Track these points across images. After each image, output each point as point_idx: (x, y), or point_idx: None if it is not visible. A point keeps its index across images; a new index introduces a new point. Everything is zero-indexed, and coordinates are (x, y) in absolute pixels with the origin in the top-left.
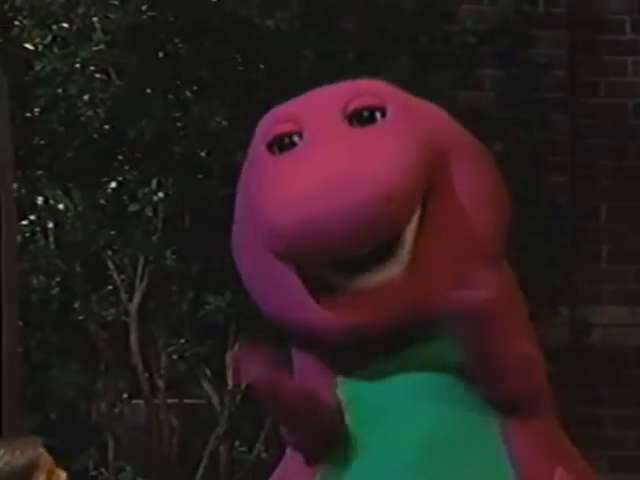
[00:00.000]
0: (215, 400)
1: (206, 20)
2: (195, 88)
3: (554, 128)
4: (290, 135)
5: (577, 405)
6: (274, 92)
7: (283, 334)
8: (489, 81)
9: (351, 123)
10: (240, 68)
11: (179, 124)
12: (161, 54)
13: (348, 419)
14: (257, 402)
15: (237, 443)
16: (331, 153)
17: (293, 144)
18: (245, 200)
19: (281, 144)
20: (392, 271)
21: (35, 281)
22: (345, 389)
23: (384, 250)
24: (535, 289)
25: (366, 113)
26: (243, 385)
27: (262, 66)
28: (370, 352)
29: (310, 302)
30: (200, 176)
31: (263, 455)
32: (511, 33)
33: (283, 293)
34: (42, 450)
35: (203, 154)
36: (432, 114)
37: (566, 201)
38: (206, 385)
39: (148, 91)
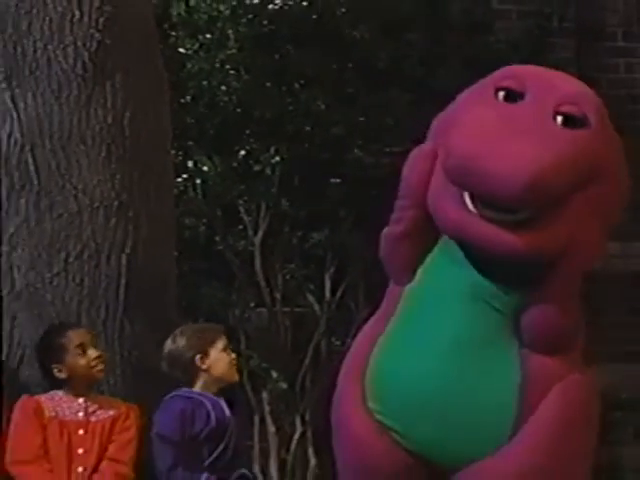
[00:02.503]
0: (317, 308)
1: (309, 31)
2: (302, 81)
3: None
4: (515, 92)
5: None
6: (359, 84)
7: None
8: None
9: (555, 117)
10: (334, 66)
11: (290, 107)
12: (277, 56)
13: (412, 300)
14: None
15: (333, 339)
16: (530, 135)
17: (514, 99)
18: (455, 111)
19: (506, 94)
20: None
21: (187, 221)
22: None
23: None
24: None
25: (570, 118)
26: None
27: (350, 65)
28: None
29: (456, 206)
30: (306, 145)
31: None
32: (533, 42)
33: (436, 190)
34: (222, 332)
35: (308, 129)
36: (614, 140)
37: None
38: (310, 297)
39: (268, 84)
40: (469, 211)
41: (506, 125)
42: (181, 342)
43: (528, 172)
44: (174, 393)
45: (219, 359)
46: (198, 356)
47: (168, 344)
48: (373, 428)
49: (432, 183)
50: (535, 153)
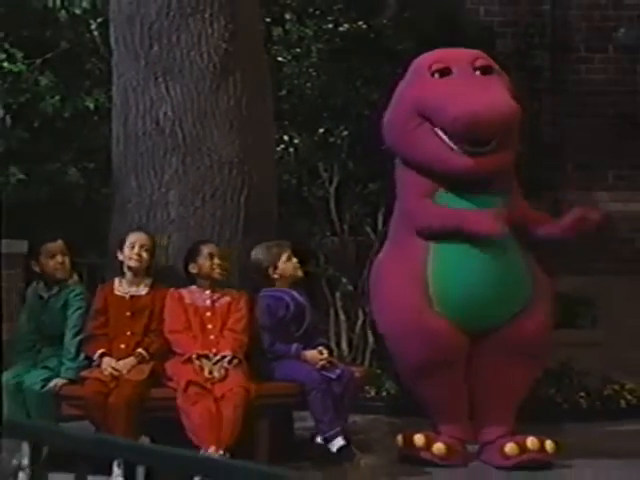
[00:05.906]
0: (372, 236)
1: (368, 46)
2: (362, 81)
3: (544, 102)
4: (444, 70)
5: None
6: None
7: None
8: (512, 79)
9: (475, 71)
10: (384, 70)
11: (354, 98)
12: (345, 64)
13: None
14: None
15: None
16: (479, 86)
17: (448, 74)
18: (405, 97)
19: (441, 73)
20: (488, 150)
21: (284, 177)
22: (442, 198)
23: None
24: (540, 190)
25: (485, 68)
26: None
27: (397, 70)
28: (469, 184)
29: (449, 151)
30: (365, 124)
31: None
32: (521, 53)
33: (427, 146)
34: (287, 247)
35: (366, 113)
36: (504, 75)
37: (550, 140)
38: (368, 229)
39: (339, 83)
40: (461, 154)
41: (469, 88)
42: (258, 257)
43: (508, 109)
44: (262, 293)
45: (285, 267)
46: (271, 268)
47: (252, 257)
48: (445, 325)
49: (424, 149)
50: (502, 98)
